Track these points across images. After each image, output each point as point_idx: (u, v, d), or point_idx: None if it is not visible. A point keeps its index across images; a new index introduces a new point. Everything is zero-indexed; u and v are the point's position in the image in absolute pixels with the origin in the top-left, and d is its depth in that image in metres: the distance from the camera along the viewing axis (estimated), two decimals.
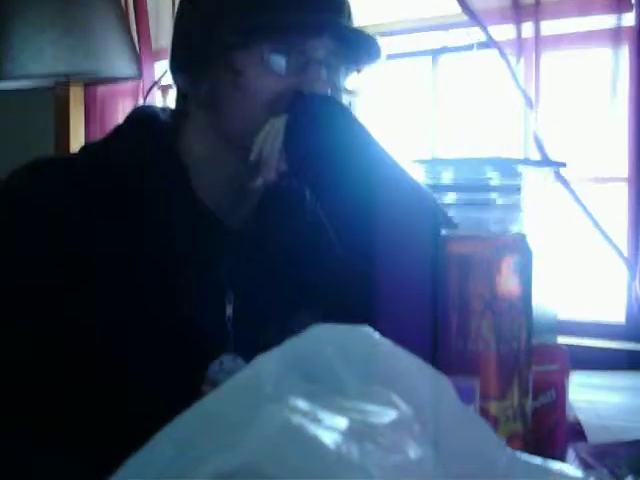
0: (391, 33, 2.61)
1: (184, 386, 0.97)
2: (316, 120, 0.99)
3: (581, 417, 1.08)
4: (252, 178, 1.04)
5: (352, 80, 1.12)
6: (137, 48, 2.86)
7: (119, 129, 1.11)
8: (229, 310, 1.07)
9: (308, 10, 1.02)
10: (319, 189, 0.98)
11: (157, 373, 0.99)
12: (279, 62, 1.02)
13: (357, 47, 1.07)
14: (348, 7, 1.08)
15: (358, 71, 1.12)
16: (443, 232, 0.81)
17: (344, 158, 0.97)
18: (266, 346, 0.55)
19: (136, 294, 0.99)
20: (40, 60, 2.51)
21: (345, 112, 1.02)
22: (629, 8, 2.14)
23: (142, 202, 1.02)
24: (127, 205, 1.01)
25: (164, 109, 1.15)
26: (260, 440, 0.43)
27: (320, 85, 1.03)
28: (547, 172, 2.08)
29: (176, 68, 1.09)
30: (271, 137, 1.00)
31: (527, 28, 2.26)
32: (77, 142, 2.78)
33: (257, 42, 1.01)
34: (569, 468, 0.59)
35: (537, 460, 0.58)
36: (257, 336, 1.00)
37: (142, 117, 1.11)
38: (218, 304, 1.07)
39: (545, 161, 2.18)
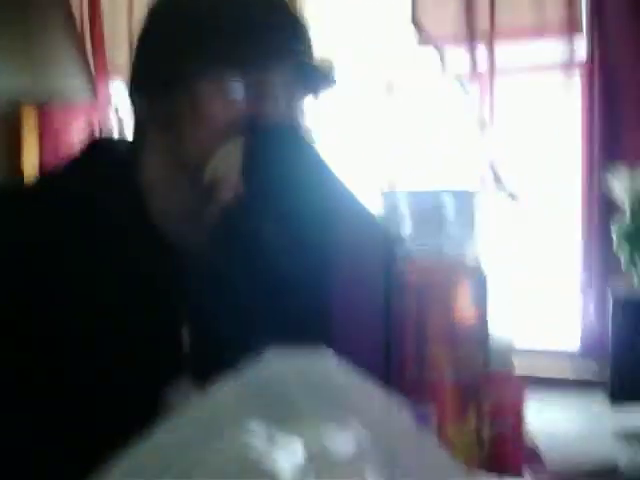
0: (345, 62, 2.63)
1: (139, 410, 0.95)
2: (273, 148, 0.99)
3: (539, 442, 1.08)
4: (207, 203, 1.04)
5: (308, 105, 1.12)
6: (92, 68, 2.83)
7: (75, 160, 1.10)
8: (185, 334, 1.06)
9: (268, 40, 1.02)
10: (275, 216, 0.98)
11: (112, 395, 0.98)
12: (237, 90, 1.03)
13: (315, 75, 1.07)
14: (306, 33, 1.08)
15: (315, 96, 1.12)
16: (399, 261, 0.81)
17: (301, 187, 0.97)
18: (223, 371, 0.54)
19: (93, 316, 0.98)
20: None
21: (303, 142, 1.03)
22: (580, 33, 2.19)
23: (99, 230, 1.01)
24: (86, 233, 1.01)
25: (118, 139, 1.15)
26: (216, 473, 0.42)
27: (277, 113, 1.03)
28: (501, 199, 2.10)
29: (134, 90, 1.09)
30: (227, 159, 1.00)
31: (482, 54, 2.30)
32: (30, 164, 2.74)
33: (215, 70, 1.01)
34: None
35: None
36: (214, 361, 0.99)
37: (98, 147, 1.11)
38: (174, 328, 1.05)
39: (499, 187, 2.21)
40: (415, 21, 2.36)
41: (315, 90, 1.11)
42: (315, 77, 1.08)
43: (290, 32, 1.06)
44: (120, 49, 2.90)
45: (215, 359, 1.01)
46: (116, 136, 1.18)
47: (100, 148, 1.11)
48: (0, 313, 0.96)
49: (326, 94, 1.13)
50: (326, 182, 0.99)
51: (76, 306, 0.98)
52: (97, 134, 2.86)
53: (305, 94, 1.10)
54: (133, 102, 1.10)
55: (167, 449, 0.48)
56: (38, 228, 1.00)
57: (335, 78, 1.11)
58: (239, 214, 1.05)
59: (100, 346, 0.98)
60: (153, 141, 1.08)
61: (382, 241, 0.92)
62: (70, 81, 2.59)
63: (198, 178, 1.02)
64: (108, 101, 2.89)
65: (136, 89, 1.09)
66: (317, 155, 1.01)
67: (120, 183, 1.06)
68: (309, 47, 1.09)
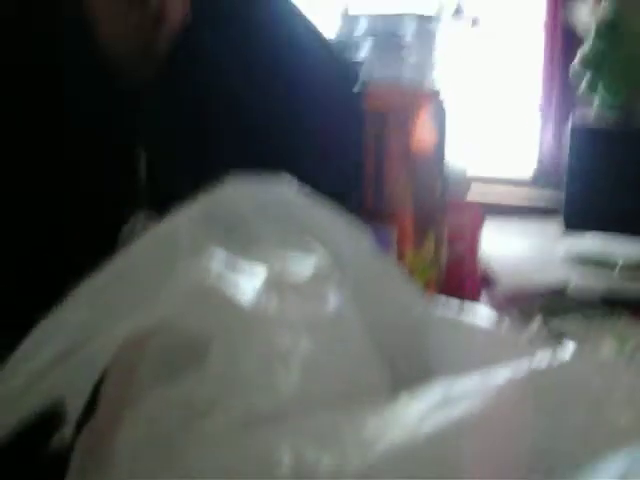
0: None
1: (97, 247, 0.95)
2: None
3: (493, 265, 1.11)
4: (157, 33, 0.99)
5: None
6: None
7: None
8: (141, 167, 1.04)
9: None
10: (231, 40, 0.95)
11: (70, 230, 0.97)
12: None
13: None
14: None
15: None
16: (358, 88, 0.79)
17: (256, 11, 0.93)
18: (181, 200, 0.53)
19: (39, 163, 0.96)
20: None
21: None
22: None
23: (45, 67, 0.97)
24: (26, 51, 0.96)
25: None
26: (178, 296, 0.42)
27: None
28: (462, 23, 2.05)
29: None
30: None
31: None
32: None
33: None
34: (482, 309, 0.60)
35: (452, 303, 0.59)
36: (172, 191, 0.98)
37: None
38: (128, 162, 1.03)
39: (460, 14, 2.15)
40: None
41: None
42: None
43: None
44: None
45: (172, 189, 1.00)
46: None
47: None
48: None
49: None
50: (282, 7, 0.95)
51: (26, 151, 0.95)
52: None
53: None
54: None
55: (128, 277, 0.48)
56: None
57: None
58: (189, 37, 1.01)
59: (50, 190, 0.96)
60: None
61: (339, 67, 0.90)
62: None
63: (147, 6, 0.97)
64: None
65: None
66: None
67: (65, 6, 1.01)
68: None
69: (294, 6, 0.96)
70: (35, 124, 0.96)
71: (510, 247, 1.24)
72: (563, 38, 2.12)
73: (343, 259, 0.51)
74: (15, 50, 0.97)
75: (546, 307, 0.91)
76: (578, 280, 1.02)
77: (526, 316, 0.89)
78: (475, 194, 2.13)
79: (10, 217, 0.95)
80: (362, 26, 1.74)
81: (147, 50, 1.05)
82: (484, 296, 1.01)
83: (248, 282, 0.42)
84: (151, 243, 0.50)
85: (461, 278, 0.96)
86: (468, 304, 0.62)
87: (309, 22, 0.97)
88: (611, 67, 1.98)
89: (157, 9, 0.96)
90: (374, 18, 1.77)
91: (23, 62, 0.96)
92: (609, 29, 1.94)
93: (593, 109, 2.05)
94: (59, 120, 0.97)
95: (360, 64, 1.02)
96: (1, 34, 0.97)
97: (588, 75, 2.02)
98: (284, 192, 0.54)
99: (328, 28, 0.98)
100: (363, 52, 1.69)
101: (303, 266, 0.46)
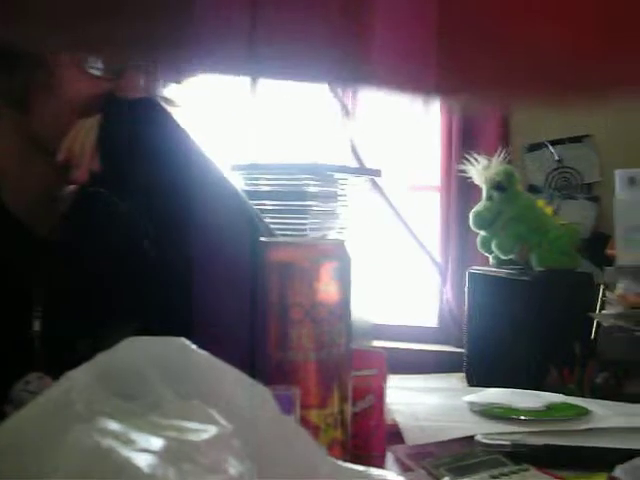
0: None
1: None
2: (133, 121, 0.96)
3: (399, 419, 1.10)
4: (61, 182, 0.99)
5: (172, 90, 1.09)
6: None
7: None
8: (37, 325, 1.00)
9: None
10: (133, 193, 0.95)
11: None
12: (95, 65, 0.98)
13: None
14: None
15: (178, 82, 1.09)
16: (262, 239, 0.80)
17: (163, 160, 0.94)
18: (76, 363, 0.51)
19: None
20: None
21: (164, 115, 0.99)
22: None
23: None
24: None
25: None
26: (68, 466, 0.39)
27: (136, 91, 0.99)
28: (363, 180, 2.13)
29: None
30: (81, 137, 0.95)
31: None
32: None
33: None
34: (389, 474, 0.59)
35: (359, 468, 0.58)
36: (67, 353, 0.95)
37: None
38: (24, 318, 1.00)
39: (361, 169, 2.24)
40: None
41: (178, 73, 1.07)
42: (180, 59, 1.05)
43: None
44: None
45: (70, 352, 0.96)
46: None
47: None
48: None
49: (191, 80, 1.10)
50: (187, 157, 0.96)
51: None
52: None
53: (169, 75, 1.06)
54: None
55: (13, 445, 0.45)
56: None
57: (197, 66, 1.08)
58: (94, 193, 1.01)
59: None
60: (4, 118, 1.03)
61: (244, 217, 0.91)
62: None
63: (51, 157, 0.97)
64: None
65: None
66: (178, 129, 0.99)
67: None
68: None
69: (206, 160, 0.97)
70: None
71: (415, 401, 1.24)
72: (458, 193, 2.22)
73: (244, 423, 0.49)
74: None
75: (453, 465, 0.90)
76: (484, 434, 1.02)
77: (433, 473, 0.88)
78: (379, 343, 2.14)
79: None
80: (265, 176, 1.78)
81: (51, 202, 1.04)
82: (390, 453, 0.99)
83: (142, 455, 0.40)
84: (43, 406, 0.47)
85: (367, 434, 0.94)
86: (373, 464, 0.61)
87: (219, 172, 0.98)
88: (502, 226, 2.07)
89: (63, 166, 0.96)
90: (276, 168, 1.82)
91: None
92: (498, 190, 2.05)
93: (490, 262, 2.13)
94: None
95: (263, 214, 1.03)
96: None
97: (481, 234, 2.11)
98: (184, 352, 0.53)
99: (234, 177, 1.00)
100: (266, 203, 1.72)
101: (202, 435, 0.44)
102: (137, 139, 0.95)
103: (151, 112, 0.99)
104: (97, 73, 0.98)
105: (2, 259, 0.98)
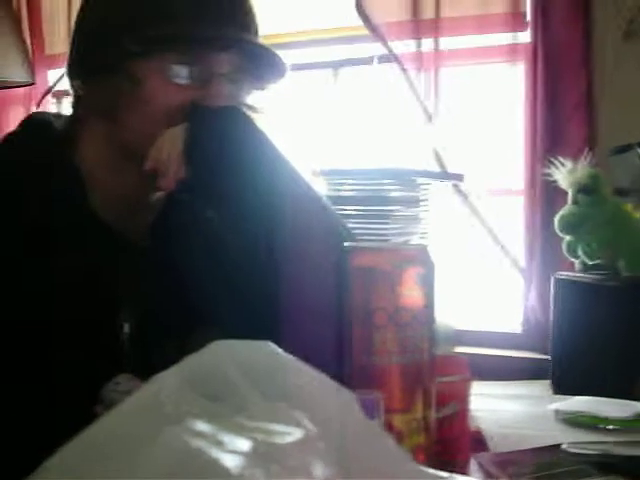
0: (293, 45, 2.61)
1: (78, 406, 0.93)
2: (219, 130, 0.97)
3: (483, 426, 1.08)
4: (149, 190, 1.01)
5: (256, 97, 1.10)
6: (30, 53, 2.76)
7: (11, 136, 1.06)
8: (126, 328, 1.03)
9: (214, 24, 1.00)
10: (221, 201, 0.96)
11: (50, 390, 0.95)
12: (180, 74, 1.00)
13: (262, 64, 1.05)
14: (255, 23, 1.06)
15: (262, 89, 1.10)
16: (345, 245, 0.80)
17: (247, 169, 0.95)
18: (165, 365, 0.52)
19: (27, 309, 0.95)
20: None
21: (249, 123, 1.01)
22: (524, 27, 2.21)
23: (34, 212, 0.97)
24: (19, 214, 0.97)
25: (58, 116, 1.10)
26: (159, 466, 0.40)
27: (222, 99, 1.01)
28: (446, 184, 2.11)
29: (74, 73, 1.05)
30: (168, 146, 0.97)
31: (427, 43, 2.30)
32: None
33: (159, 52, 0.99)
34: None
35: (443, 474, 0.58)
36: (155, 355, 0.97)
37: (35, 124, 1.07)
38: (113, 321, 1.02)
39: (444, 173, 2.22)
40: (359, 8, 2.35)
41: (263, 81, 1.08)
42: (264, 68, 1.06)
43: (240, 20, 1.03)
44: (59, 34, 2.83)
45: (157, 353, 0.99)
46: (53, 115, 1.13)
47: (38, 125, 1.07)
48: None
49: (275, 87, 1.11)
50: (272, 164, 0.97)
51: (8, 297, 0.94)
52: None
53: (254, 85, 1.08)
54: (73, 86, 1.07)
55: (104, 445, 0.46)
56: None
57: (285, 71, 1.09)
58: (182, 201, 1.03)
59: (33, 339, 0.94)
60: (93, 126, 1.05)
61: (328, 223, 0.91)
62: (8, 65, 2.52)
63: (141, 165, 0.99)
64: (46, 86, 2.82)
65: (76, 72, 1.05)
66: (263, 137, 0.99)
67: (58, 166, 1.03)
68: (258, 36, 1.06)
69: (290, 167, 0.98)
70: (25, 273, 0.96)
71: (499, 408, 1.22)
72: (543, 198, 2.18)
73: (330, 427, 0.49)
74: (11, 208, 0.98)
75: (538, 473, 0.88)
76: (570, 443, 1.00)
77: None
78: (463, 349, 2.12)
79: None
80: (348, 184, 1.78)
81: (139, 209, 1.07)
82: (474, 460, 0.98)
83: (231, 456, 0.41)
84: (133, 408, 0.48)
85: (451, 441, 0.94)
86: (457, 471, 0.61)
87: (303, 179, 0.99)
88: (589, 230, 2.02)
89: (150, 174, 0.98)
90: (359, 173, 1.82)
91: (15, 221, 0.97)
92: (584, 194, 2.00)
93: (576, 267, 2.08)
94: (46, 273, 0.96)
95: (346, 220, 1.03)
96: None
97: (567, 239, 2.06)
98: (270, 355, 0.53)
99: (317, 183, 1.00)
100: (349, 208, 1.72)
101: (289, 437, 0.45)
102: (222, 147, 0.96)
103: (236, 120, 1.00)
104: (182, 82, 1.00)
105: (93, 264, 1.01)
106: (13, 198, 0.97)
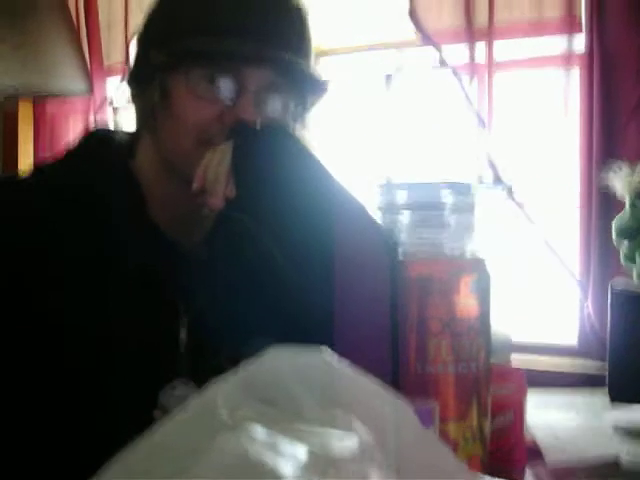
0: (346, 53, 2.61)
1: (136, 410, 0.94)
2: (266, 148, 0.97)
3: (538, 437, 1.07)
4: (198, 205, 1.02)
5: (299, 113, 1.10)
6: (88, 63, 2.82)
7: (73, 150, 1.08)
8: (183, 333, 1.04)
9: (246, 38, 0.99)
10: (269, 218, 0.96)
11: (108, 395, 0.96)
12: (209, 88, 1.00)
13: (298, 81, 1.05)
14: (301, 41, 1.04)
15: (301, 106, 1.09)
16: (401, 255, 0.80)
17: (295, 187, 0.95)
18: (220, 371, 0.53)
19: (88, 314, 0.96)
20: None
21: (294, 140, 1.01)
22: (579, 30, 2.18)
23: (96, 223, 0.99)
24: (81, 226, 0.99)
25: (115, 130, 1.13)
26: (215, 471, 0.41)
27: (250, 115, 1.00)
28: (500, 193, 2.09)
29: (129, 84, 1.08)
30: (214, 165, 0.97)
31: (480, 49, 2.28)
32: (25, 158, 2.73)
33: (187, 65, 1.00)
34: None
35: None
36: (211, 361, 0.98)
37: (96, 138, 1.09)
38: (171, 327, 1.04)
39: (498, 182, 2.20)
40: (412, 15, 2.35)
41: (302, 97, 1.08)
42: (301, 85, 1.06)
43: (277, 36, 1.02)
44: (116, 45, 2.88)
45: (213, 359, 1.00)
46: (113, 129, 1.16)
47: (99, 139, 1.09)
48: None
49: (315, 103, 1.11)
50: (320, 180, 0.97)
51: (73, 301, 0.97)
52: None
53: (291, 100, 1.07)
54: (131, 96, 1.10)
55: (166, 449, 0.47)
56: (34, 221, 0.98)
57: (323, 89, 1.08)
58: (232, 218, 1.03)
59: (94, 342, 0.96)
60: (144, 140, 1.07)
61: (381, 236, 0.90)
62: (67, 76, 2.58)
63: (183, 180, 1.00)
64: (104, 96, 2.88)
65: (128, 85, 1.08)
66: (309, 154, 0.99)
67: (118, 178, 1.05)
68: (303, 52, 1.05)
69: (337, 183, 0.98)
70: (82, 279, 0.98)
71: (555, 418, 1.21)
72: (599, 201, 2.14)
73: (385, 436, 0.49)
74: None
75: None
76: (629, 454, 0.98)
77: None
78: (518, 361, 2.09)
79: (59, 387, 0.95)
80: (402, 195, 1.77)
81: (192, 222, 1.08)
82: (529, 471, 0.97)
83: (288, 463, 0.41)
84: (191, 414, 0.49)
85: (506, 451, 0.93)
86: None
87: (351, 195, 0.99)
88: None
89: (198, 194, 0.98)
90: (414, 186, 1.81)
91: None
92: None
93: (634, 276, 2.04)
94: (110, 281, 0.98)
95: (400, 232, 1.03)
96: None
97: (625, 244, 2.03)
98: (326, 364, 0.54)
99: (368, 197, 1.00)
100: (404, 220, 1.72)
101: (344, 445, 0.45)
102: (269, 166, 0.96)
103: (282, 138, 1.00)
104: (210, 96, 1.00)
105: (151, 270, 1.02)
106: (74, 213, 0.99)
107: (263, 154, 0.97)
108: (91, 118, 2.90)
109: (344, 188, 0.98)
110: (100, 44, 2.91)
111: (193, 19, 1.01)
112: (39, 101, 2.86)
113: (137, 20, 2.81)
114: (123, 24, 2.82)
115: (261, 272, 1.04)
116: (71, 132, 2.98)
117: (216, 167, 0.96)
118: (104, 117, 2.87)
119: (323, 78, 1.06)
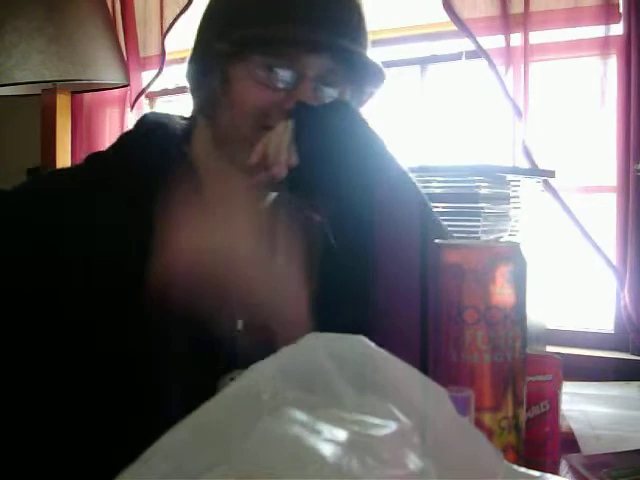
0: (380, 42, 2.61)
1: (194, 400, 0.95)
2: (327, 123, 0.98)
3: (574, 427, 1.07)
4: (254, 192, 1.02)
5: (356, 103, 1.11)
6: (125, 56, 2.84)
7: (128, 136, 1.10)
8: (239, 324, 1.05)
9: (305, 26, 1.00)
10: (330, 193, 0.97)
11: (168, 386, 0.97)
12: (268, 75, 1.01)
13: (357, 69, 1.05)
14: (356, 28, 1.05)
15: (361, 95, 1.10)
16: (437, 242, 0.80)
17: (356, 163, 0.96)
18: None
19: (147, 302, 0.97)
20: (27, 67, 2.49)
21: (356, 116, 1.02)
22: (617, 18, 2.15)
23: (155, 207, 1.00)
24: (136, 212, 0.99)
25: (169, 116, 1.14)
26: (258, 453, 0.42)
27: (309, 101, 1.01)
28: (536, 181, 2.08)
29: (187, 74, 1.10)
30: (275, 139, 0.98)
31: (516, 38, 2.27)
32: (63, 150, 2.76)
33: (248, 53, 1.01)
34: None
35: (534, 473, 0.58)
36: (267, 350, 0.99)
37: (151, 123, 1.11)
38: (229, 317, 1.05)
39: (534, 170, 2.18)
40: (447, 4, 2.33)
41: (361, 85, 1.09)
42: (360, 74, 1.06)
43: (335, 23, 1.03)
44: (152, 37, 2.90)
45: (268, 349, 1.00)
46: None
47: (154, 125, 1.10)
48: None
49: (374, 94, 1.12)
50: (380, 157, 0.98)
51: (131, 285, 0.96)
52: (130, 120, 2.88)
53: (350, 88, 1.08)
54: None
55: (208, 431, 0.48)
56: (88, 207, 0.99)
57: (382, 78, 1.09)
58: (293, 187, 1.02)
59: (154, 331, 0.96)
60: (201, 126, 1.09)
61: (428, 220, 0.91)
62: (103, 67, 2.60)
63: (242, 169, 1.01)
64: (140, 88, 2.90)
65: (187, 72, 1.09)
66: (371, 130, 1.00)
67: (175, 161, 1.06)
68: (360, 41, 1.06)
69: (396, 160, 0.99)
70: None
71: (591, 408, 1.20)
72: (636, 194, 2.12)
73: (423, 421, 0.50)
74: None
75: (632, 477, 0.87)
76: None
77: None
78: (554, 348, 2.08)
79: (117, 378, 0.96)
80: (437, 179, 1.78)
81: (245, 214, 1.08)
82: (564, 461, 0.97)
83: (328, 445, 0.42)
84: (232, 397, 0.50)
85: (541, 441, 0.93)
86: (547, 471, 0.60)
87: (409, 175, 0.99)
88: None
89: (255, 163, 0.99)
90: (448, 171, 1.81)
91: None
92: None
93: None
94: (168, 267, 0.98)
95: (438, 218, 1.02)
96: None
97: None
98: (363, 349, 0.54)
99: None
100: (438, 205, 1.72)
101: (383, 429, 0.46)
102: (331, 141, 0.97)
103: (344, 113, 1.00)
104: (270, 84, 1.01)
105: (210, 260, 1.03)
106: (134, 196, 1.00)
107: (323, 126, 0.97)
108: (128, 110, 2.92)
109: (403, 167, 0.99)
110: (136, 37, 2.94)
111: (256, 9, 1.02)
112: (77, 92, 2.89)
113: (172, 13, 2.85)
114: (159, 17, 2.84)
115: (310, 257, 1.05)
116: (108, 124, 3.01)
117: (277, 141, 0.97)
118: (141, 108, 2.90)
119: (381, 68, 1.07)
